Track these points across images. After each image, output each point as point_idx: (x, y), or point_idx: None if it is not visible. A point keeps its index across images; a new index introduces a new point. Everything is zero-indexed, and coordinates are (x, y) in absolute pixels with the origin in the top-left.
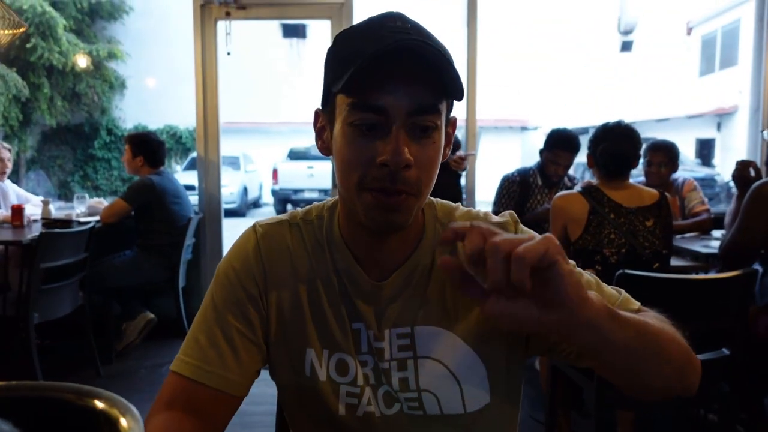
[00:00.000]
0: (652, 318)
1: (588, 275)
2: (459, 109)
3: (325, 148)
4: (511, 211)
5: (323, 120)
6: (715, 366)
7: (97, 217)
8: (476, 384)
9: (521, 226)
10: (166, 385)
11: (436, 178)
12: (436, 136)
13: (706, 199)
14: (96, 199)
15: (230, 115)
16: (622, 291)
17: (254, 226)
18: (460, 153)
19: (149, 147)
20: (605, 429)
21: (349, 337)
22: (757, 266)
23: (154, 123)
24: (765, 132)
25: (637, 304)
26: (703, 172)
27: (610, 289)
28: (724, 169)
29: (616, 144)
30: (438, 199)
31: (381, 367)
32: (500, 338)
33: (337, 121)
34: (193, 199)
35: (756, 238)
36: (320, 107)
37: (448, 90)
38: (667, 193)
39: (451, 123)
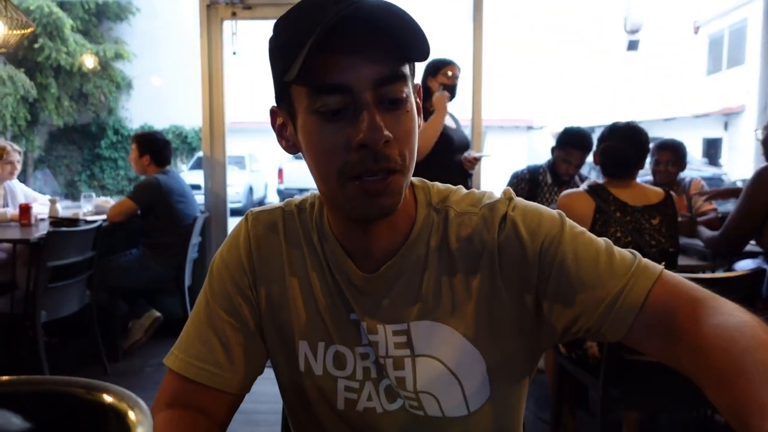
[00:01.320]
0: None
1: (601, 240)
2: (465, 109)
3: (290, 146)
4: (507, 188)
5: (282, 117)
6: None
7: (104, 216)
8: (477, 380)
9: (516, 201)
10: (164, 382)
11: (416, 151)
12: (408, 106)
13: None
14: (103, 198)
15: (236, 114)
16: (637, 255)
17: (246, 215)
18: (475, 154)
19: (156, 146)
20: (611, 428)
21: (348, 329)
22: (764, 265)
23: (160, 123)
24: (758, 131)
25: (655, 272)
26: (711, 171)
27: (622, 256)
28: (731, 168)
29: (617, 144)
30: (436, 182)
31: (379, 362)
32: (499, 328)
33: (299, 113)
34: (199, 198)
35: (754, 219)
36: (275, 105)
37: (409, 52)
38: (674, 193)
39: (417, 91)
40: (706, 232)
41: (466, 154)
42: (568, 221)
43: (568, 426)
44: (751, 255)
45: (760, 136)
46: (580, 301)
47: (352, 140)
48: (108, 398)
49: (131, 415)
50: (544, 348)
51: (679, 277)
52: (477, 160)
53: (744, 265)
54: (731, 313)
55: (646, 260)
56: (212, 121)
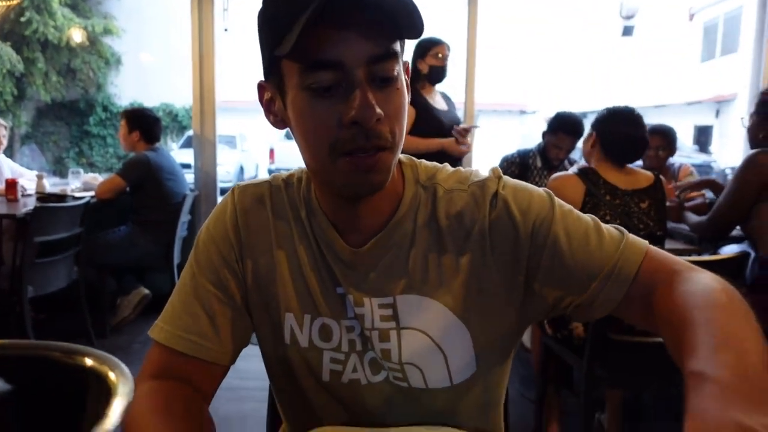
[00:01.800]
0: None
1: (587, 218)
2: (458, 93)
3: (278, 121)
4: (495, 167)
5: (270, 91)
6: None
7: (92, 193)
8: (462, 354)
9: (505, 179)
10: (148, 355)
11: (406, 128)
12: (398, 84)
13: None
14: (91, 175)
15: (227, 93)
16: (624, 231)
17: (233, 189)
18: (464, 125)
19: (145, 123)
20: (594, 407)
21: (334, 302)
22: (749, 250)
23: (150, 100)
24: (744, 119)
25: (642, 247)
26: (701, 158)
27: (610, 233)
28: (721, 155)
29: (634, 129)
30: (423, 160)
31: (365, 334)
32: (488, 304)
33: (289, 88)
34: (189, 177)
35: (743, 206)
36: (263, 79)
37: (402, 29)
38: (663, 177)
39: (406, 68)
40: (693, 217)
41: (455, 126)
42: (557, 200)
43: (552, 404)
44: (736, 240)
45: (746, 124)
46: (573, 279)
47: (344, 117)
48: (88, 361)
49: (111, 376)
50: (531, 322)
51: (663, 252)
52: (467, 131)
53: (730, 250)
54: (700, 281)
55: (632, 236)
56: (203, 99)
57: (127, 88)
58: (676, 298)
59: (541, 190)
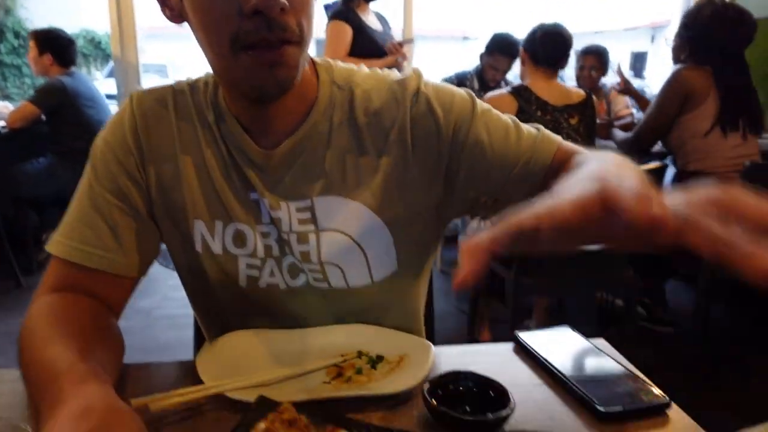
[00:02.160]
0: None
1: (506, 117)
2: (395, 17)
3: (175, 16)
4: (415, 67)
5: None
6: (621, 254)
7: (3, 123)
8: (382, 251)
9: (424, 79)
10: (47, 271)
11: (314, 22)
12: None
13: (631, 104)
14: (1, 103)
15: (155, 19)
16: (540, 127)
17: (131, 94)
18: (399, 40)
19: (57, 44)
20: (522, 314)
21: (248, 208)
22: (669, 163)
23: (69, 26)
24: (668, 39)
25: (555, 140)
26: (635, 83)
27: (528, 129)
28: (653, 80)
29: (557, 31)
30: (338, 61)
31: (282, 238)
32: (408, 202)
33: None
34: (115, 108)
35: (668, 118)
36: None
37: None
38: (594, 97)
39: None
40: (620, 134)
41: (389, 42)
42: (478, 99)
43: (484, 315)
44: (659, 156)
45: (671, 44)
46: (493, 174)
47: (245, 6)
48: None
49: None
50: (450, 219)
51: (573, 145)
52: (401, 45)
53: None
54: (598, 153)
55: (546, 131)
56: (121, 22)
57: (41, 12)
58: (573, 166)
59: (462, 90)
